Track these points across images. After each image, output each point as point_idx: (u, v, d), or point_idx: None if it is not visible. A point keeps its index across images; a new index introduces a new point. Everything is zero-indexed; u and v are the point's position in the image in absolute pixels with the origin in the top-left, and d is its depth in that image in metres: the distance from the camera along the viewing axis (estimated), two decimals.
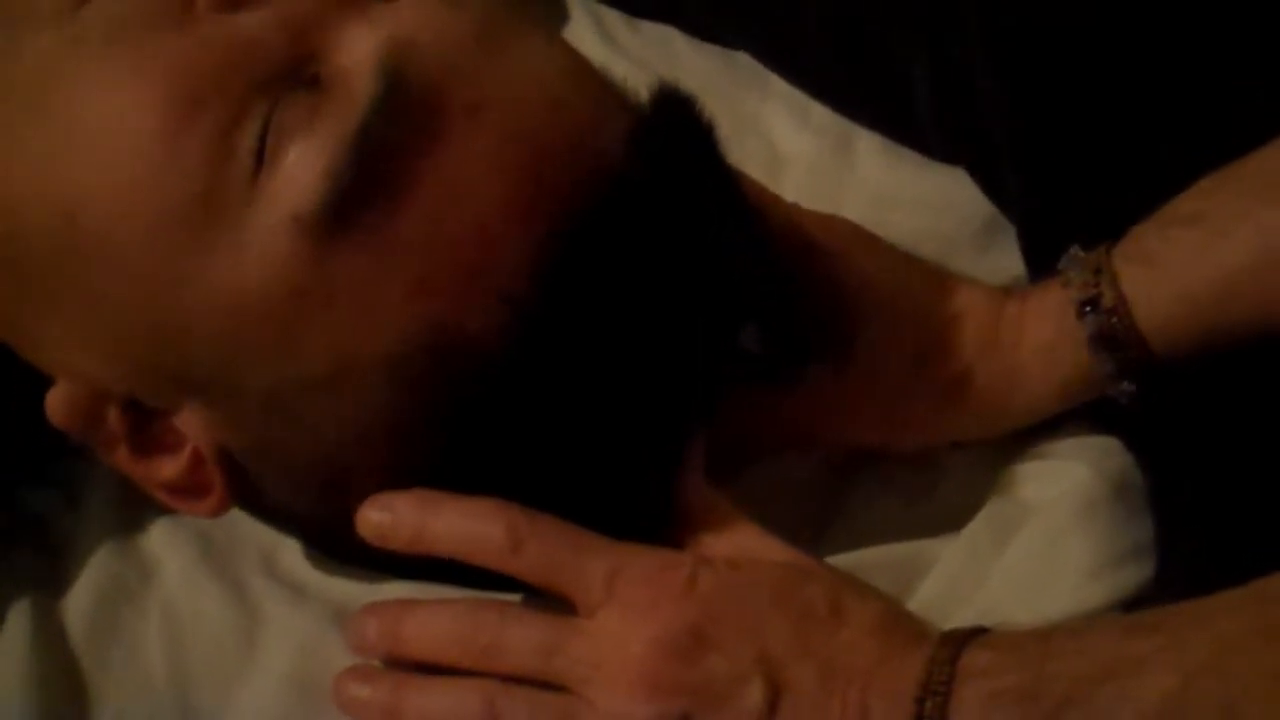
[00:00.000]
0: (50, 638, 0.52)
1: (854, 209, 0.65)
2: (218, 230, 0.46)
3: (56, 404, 0.50)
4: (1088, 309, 0.55)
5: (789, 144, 0.73)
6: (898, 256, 0.59)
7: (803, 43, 0.74)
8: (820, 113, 0.74)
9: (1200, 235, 0.54)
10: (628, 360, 0.49)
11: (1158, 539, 0.54)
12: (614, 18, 0.80)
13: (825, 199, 0.68)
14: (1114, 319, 0.54)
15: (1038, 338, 0.56)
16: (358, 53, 0.47)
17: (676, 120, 0.52)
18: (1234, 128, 0.59)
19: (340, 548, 0.53)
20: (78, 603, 0.54)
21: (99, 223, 0.46)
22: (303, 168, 0.45)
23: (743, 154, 0.64)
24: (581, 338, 0.48)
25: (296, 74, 0.46)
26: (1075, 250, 0.57)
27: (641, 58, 0.78)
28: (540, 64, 0.50)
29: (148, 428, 0.51)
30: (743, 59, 0.78)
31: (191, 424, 0.50)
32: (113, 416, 0.50)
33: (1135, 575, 0.53)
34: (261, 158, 0.45)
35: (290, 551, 0.56)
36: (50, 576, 0.55)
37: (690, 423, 0.52)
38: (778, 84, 0.75)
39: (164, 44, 0.46)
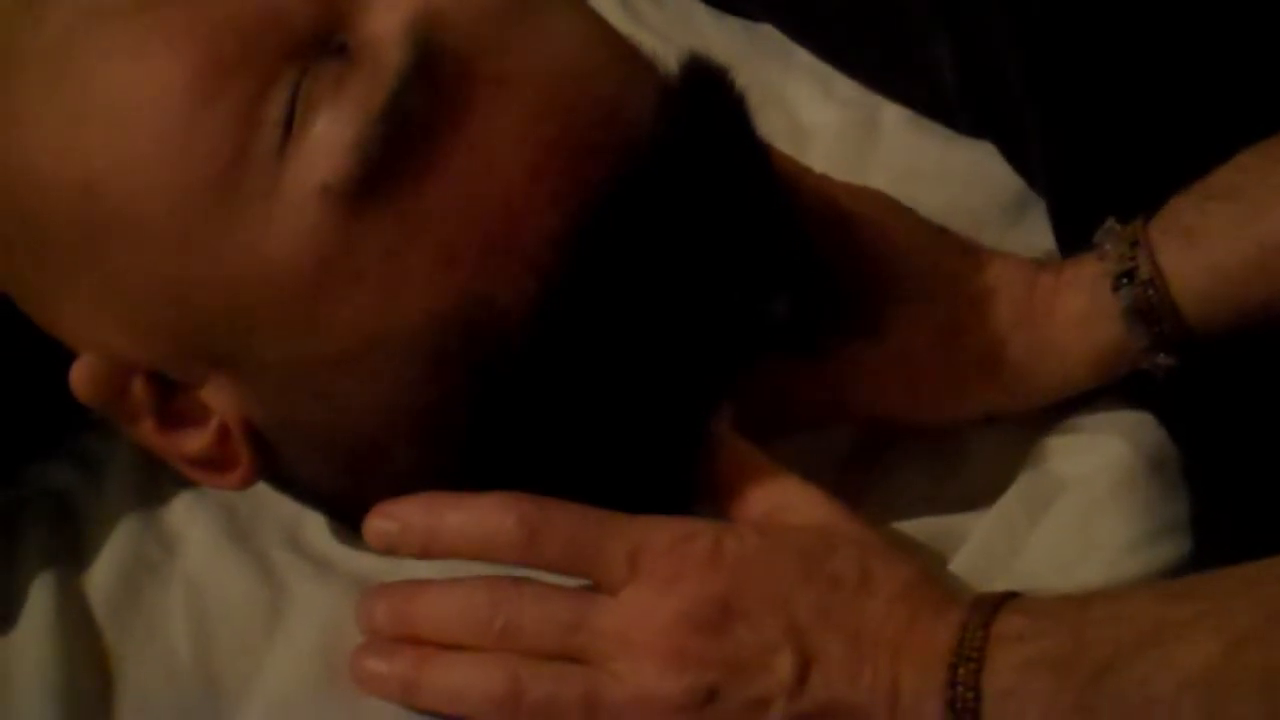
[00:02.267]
0: (73, 613, 0.52)
1: (880, 182, 0.65)
2: (244, 201, 0.45)
3: (81, 378, 0.49)
4: (1123, 281, 0.54)
5: (813, 116, 0.73)
6: (930, 228, 0.59)
7: (826, 16, 0.74)
8: (845, 85, 0.73)
9: (1238, 209, 0.53)
10: (656, 330, 0.48)
11: (1194, 515, 0.53)
12: None
13: (851, 171, 0.67)
14: (1150, 291, 0.54)
15: (1072, 310, 0.55)
16: (387, 22, 0.46)
17: (707, 90, 0.51)
18: (1269, 101, 0.58)
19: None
20: (100, 577, 0.53)
21: (122, 195, 0.46)
22: (331, 138, 0.44)
23: (766, 126, 0.63)
24: (610, 309, 0.47)
25: (325, 42, 0.46)
26: (1111, 223, 0.56)
27: (665, 31, 0.77)
28: (569, 34, 0.49)
29: (173, 401, 0.50)
30: (767, 30, 0.77)
31: (218, 397, 0.49)
32: (138, 389, 0.49)
33: (1172, 551, 0.52)
34: (290, 128, 0.44)
35: (314, 525, 0.56)
36: (72, 551, 0.55)
37: (719, 391, 0.51)
38: (802, 56, 0.75)
39: (190, 12, 0.45)
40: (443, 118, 0.45)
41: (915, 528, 0.55)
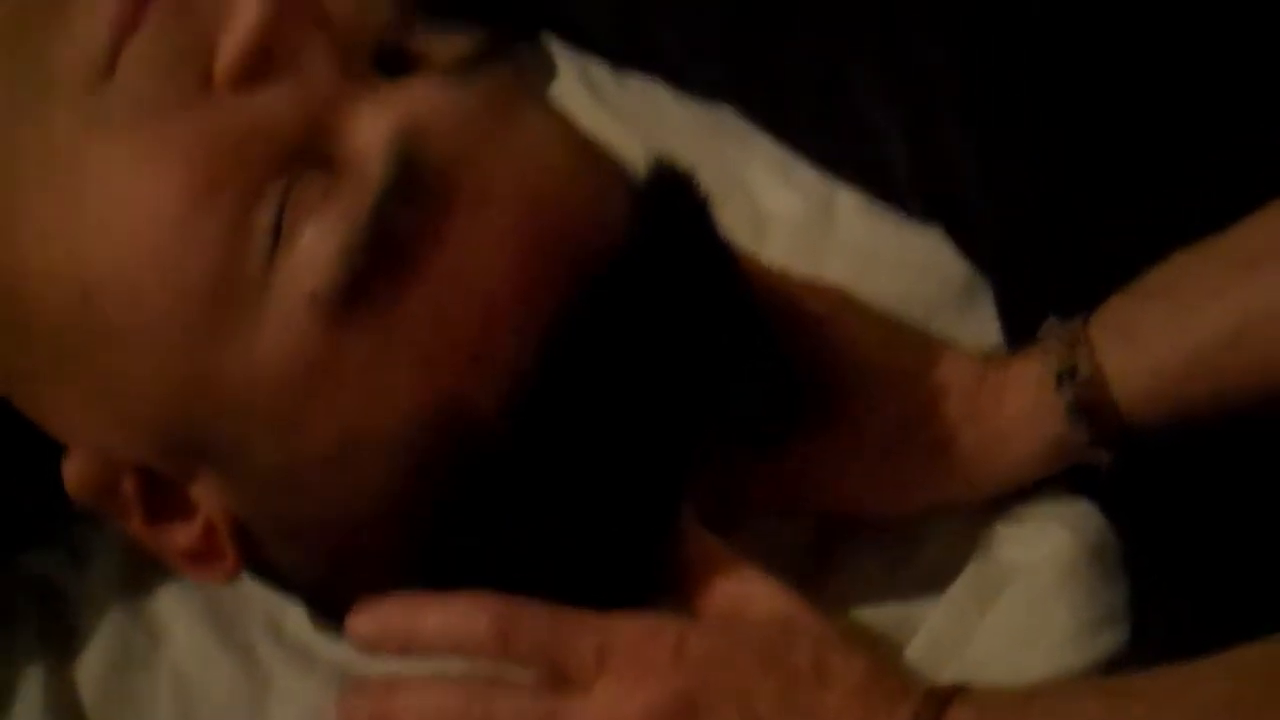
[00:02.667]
0: (64, 703, 0.54)
1: (838, 268, 0.68)
2: (235, 309, 0.47)
3: (72, 474, 0.51)
4: (1065, 379, 0.57)
5: (773, 202, 0.75)
6: (885, 323, 0.62)
7: (782, 101, 0.76)
8: (802, 170, 0.76)
9: (1174, 309, 0.56)
10: (625, 427, 0.51)
11: (1133, 602, 0.56)
12: (600, 71, 0.81)
13: (809, 258, 0.70)
14: (1090, 390, 0.56)
15: (1018, 406, 0.58)
16: (370, 135, 0.48)
17: (673, 196, 0.54)
18: (1209, 199, 0.62)
19: (347, 612, 0.55)
20: (90, 667, 0.56)
21: (117, 302, 0.47)
22: (318, 249, 0.46)
23: (728, 211, 0.66)
24: (581, 408, 0.50)
25: (311, 153, 0.47)
26: (1053, 321, 0.59)
27: (629, 113, 0.79)
28: (543, 145, 0.51)
29: (161, 496, 0.52)
30: (726, 114, 0.80)
31: (205, 493, 0.51)
32: (127, 486, 0.51)
33: (1112, 639, 0.55)
34: (278, 238, 0.46)
35: (295, 615, 0.58)
36: (61, 639, 0.57)
37: (683, 484, 0.54)
38: (760, 140, 0.77)
39: (183, 126, 0.47)
40: (424, 229, 0.47)
41: (872, 615, 0.57)
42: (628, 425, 0.51)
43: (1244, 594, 0.57)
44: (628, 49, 0.81)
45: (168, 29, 0.48)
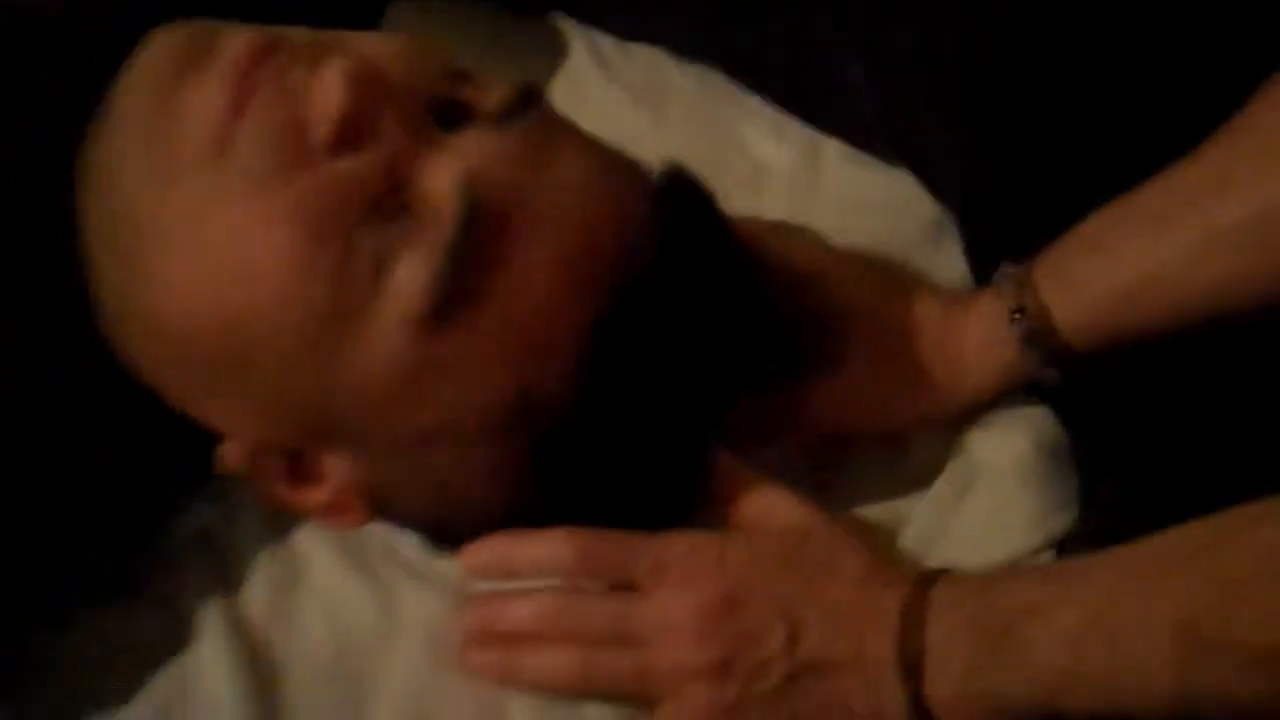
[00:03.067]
0: (239, 629, 0.68)
1: (826, 215, 0.81)
2: (348, 331, 0.59)
3: (229, 457, 0.65)
4: (1016, 315, 0.70)
5: (767, 157, 0.87)
6: (863, 269, 0.74)
7: (764, 64, 0.88)
8: (791, 126, 0.88)
9: (1101, 257, 0.69)
10: (665, 388, 0.64)
11: (1080, 489, 0.71)
12: (606, 42, 0.93)
13: (802, 206, 0.83)
14: (1037, 323, 0.70)
15: (979, 338, 0.72)
16: (440, 183, 0.58)
17: (685, 197, 0.67)
18: (1141, 150, 0.74)
19: (450, 542, 0.69)
20: (253, 598, 0.69)
21: (255, 333, 0.60)
22: (408, 281, 0.58)
23: (730, 167, 0.80)
24: (629, 378, 0.63)
25: (392, 201, 0.58)
26: (1005, 266, 0.72)
27: (635, 83, 0.91)
28: (577, 173, 0.62)
29: (300, 467, 0.65)
30: (719, 78, 0.91)
31: (335, 464, 0.65)
32: (274, 464, 0.65)
33: (1063, 521, 0.69)
34: (378, 273, 0.58)
35: (406, 542, 0.72)
36: (223, 579, 0.71)
37: (713, 426, 0.68)
38: (751, 101, 0.89)
39: (291, 191, 0.58)
40: (489, 256, 0.59)
41: (870, 512, 0.72)
42: (664, 389, 0.64)
43: (1172, 482, 0.71)
44: (629, 27, 0.92)
45: (268, 111, 0.58)
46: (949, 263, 0.80)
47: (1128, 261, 0.68)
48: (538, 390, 0.61)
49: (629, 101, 0.90)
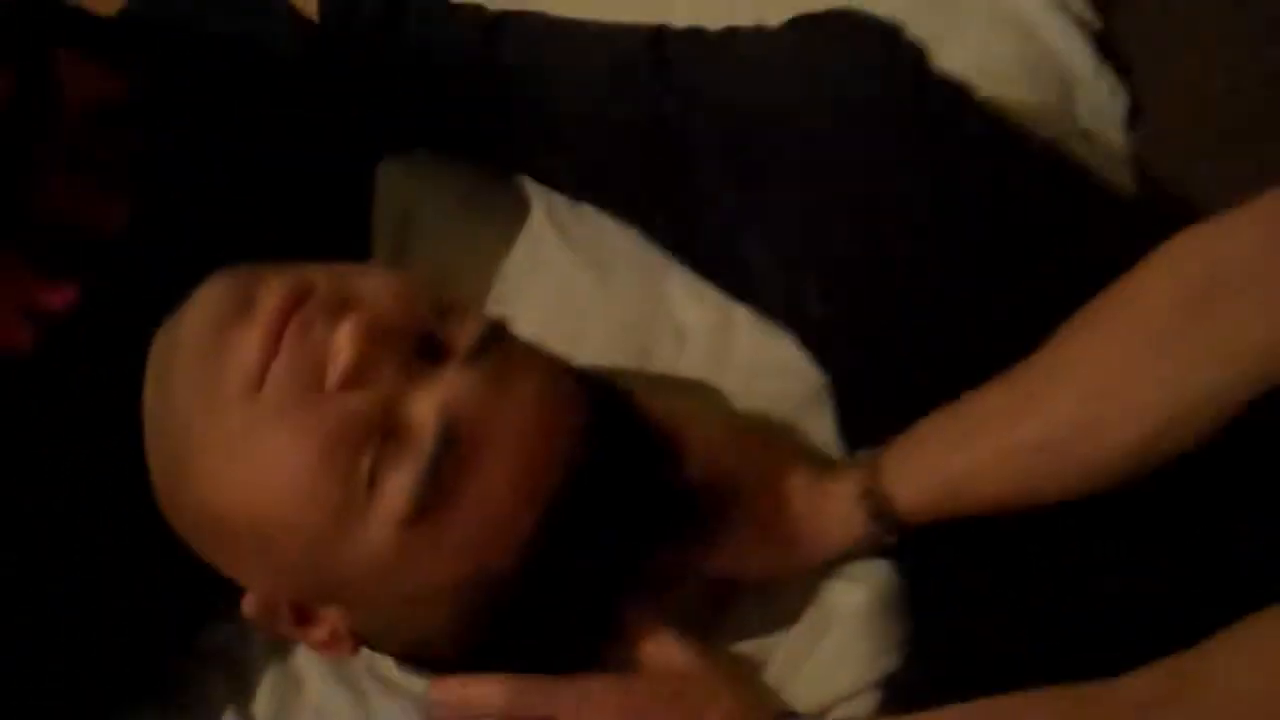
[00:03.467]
0: None
1: (734, 376, 0.98)
2: (347, 527, 0.77)
3: (249, 607, 0.85)
4: (866, 498, 0.89)
5: (689, 320, 1.03)
6: (758, 449, 0.92)
7: (678, 230, 1.04)
8: (709, 293, 1.05)
9: (928, 455, 0.87)
10: (593, 554, 0.84)
11: (912, 636, 0.90)
12: (560, 201, 1.09)
13: (715, 369, 1.00)
14: (881, 505, 0.89)
15: (838, 511, 0.89)
16: (423, 415, 0.74)
17: (612, 404, 0.85)
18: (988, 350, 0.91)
19: (420, 666, 0.89)
20: (260, 709, 0.90)
21: (276, 525, 0.77)
22: (396, 490, 0.76)
23: (660, 327, 0.98)
24: (565, 552, 0.82)
25: (386, 427, 0.76)
26: (861, 453, 0.91)
27: (582, 240, 1.06)
28: (532, 396, 0.79)
29: (303, 614, 0.85)
30: (648, 241, 1.07)
31: (330, 614, 0.84)
32: (284, 611, 0.85)
33: (893, 661, 0.89)
34: (373, 484, 0.76)
35: (385, 662, 0.92)
36: (238, 691, 0.91)
37: (625, 579, 0.88)
38: (676, 266, 1.06)
39: (309, 418, 0.74)
40: (460, 469, 0.76)
41: (747, 647, 0.91)
42: (590, 557, 0.84)
43: (996, 631, 0.90)
44: (576, 190, 1.10)
45: (295, 356, 0.75)
46: (828, 424, 0.98)
47: (950, 462, 0.86)
48: (494, 565, 0.79)
49: (580, 264, 1.06)
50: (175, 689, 0.91)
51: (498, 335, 0.81)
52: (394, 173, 1.09)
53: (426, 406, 0.77)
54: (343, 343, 0.76)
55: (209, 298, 0.79)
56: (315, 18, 1.16)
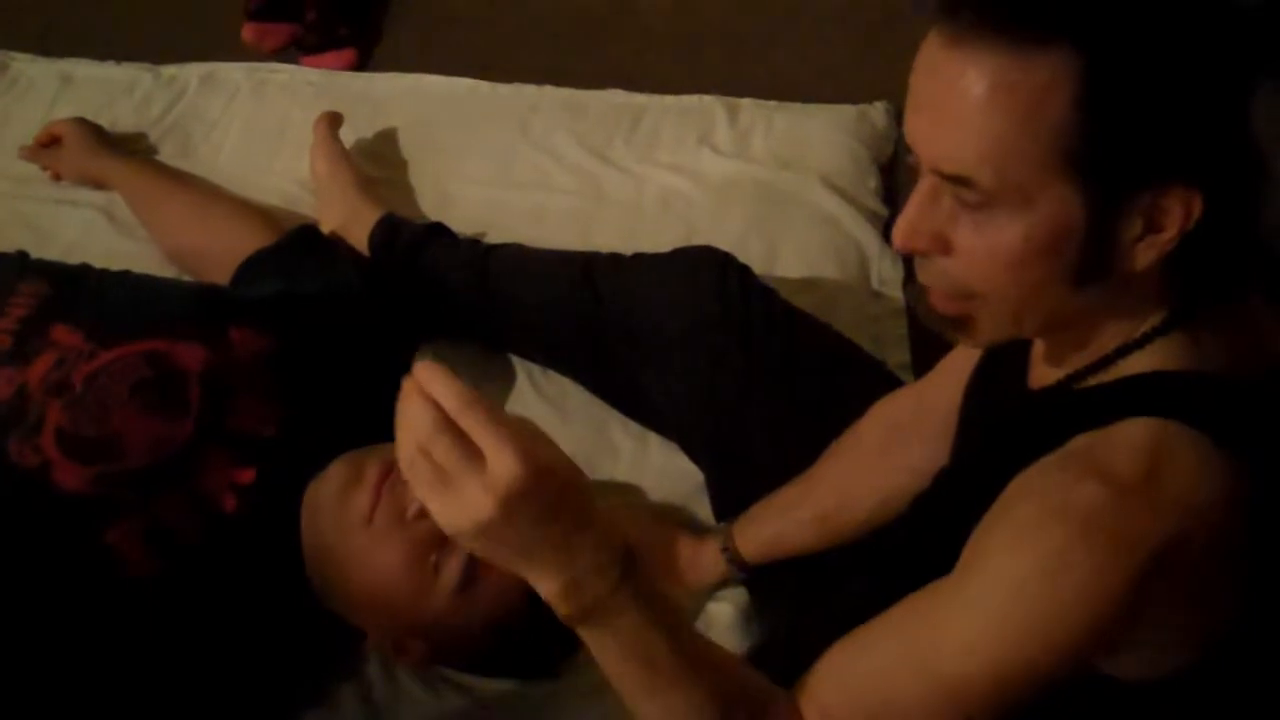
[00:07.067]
0: None
1: (650, 479, 1.62)
2: (425, 594, 1.40)
3: (370, 643, 1.47)
4: (725, 551, 1.52)
5: (620, 443, 1.66)
6: (662, 528, 1.56)
7: (603, 383, 1.70)
8: (631, 425, 1.68)
9: (757, 526, 1.48)
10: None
11: (761, 629, 1.53)
12: (536, 369, 1.74)
13: (637, 476, 1.64)
14: (734, 555, 1.51)
15: (708, 560, 1.51)
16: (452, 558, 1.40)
17: None
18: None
19: (474, 671, 1.51)
20: (378, 698, 1.53)
21: (386, 596, 1.40)
22: (451, 572, 1.36)
23: (605, 451, 1.62)
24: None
25: (442, 538, 1.36)
26: (724, 524, 1.55)
27: (551, 395, 1.72)
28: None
29: (400, 645, 1.46)
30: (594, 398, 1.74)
31: (417, 644, 1.45)
32: (388, 644, 1.47)
33: (751, 645, 1.51)
34: (436, 570, 1.38)
35: (448, 672, 1.54)
36: (361, 693, 1.53)
37: None
38: (610, 409, 1.71)
39: (400, 538, 1.37)
40: (485, 567, 1.41)
41: None
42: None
43: (812, 622, 1.53)
44: (546, 363, 1.75)
45: (388, 501, 1.39)
46: (706, 505, 1.62)
47: (772, 527, 1.46)
48: (511, 612, 1.41)
49: (550, 413, 1.71)
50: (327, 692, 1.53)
51: None
52: (425, 356, 1.72)
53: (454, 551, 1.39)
54: (414, 495, 1.40)
55: (337, 470, 1.43)
56: (365, 250, 1.82)
